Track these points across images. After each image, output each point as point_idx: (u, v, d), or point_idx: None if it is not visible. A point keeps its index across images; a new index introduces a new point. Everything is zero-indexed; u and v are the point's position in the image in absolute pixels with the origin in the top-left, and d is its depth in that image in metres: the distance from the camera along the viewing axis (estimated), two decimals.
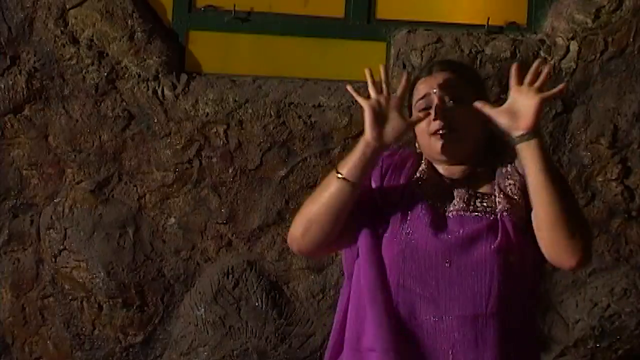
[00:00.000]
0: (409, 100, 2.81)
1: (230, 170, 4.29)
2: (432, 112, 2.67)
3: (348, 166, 2.74)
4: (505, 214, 2.66)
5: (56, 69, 4.21)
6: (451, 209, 2.71)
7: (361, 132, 4.20)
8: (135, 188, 4.28)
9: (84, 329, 4.29)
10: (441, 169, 2.79)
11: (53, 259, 4.25)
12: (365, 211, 2.76)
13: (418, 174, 2.78)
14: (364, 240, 2.75)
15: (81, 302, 4.27)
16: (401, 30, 4.39)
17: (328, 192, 2.72)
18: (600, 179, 4.39)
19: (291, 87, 4.32)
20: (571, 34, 4.39)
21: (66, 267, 4.25)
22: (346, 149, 4.28)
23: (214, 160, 4.28)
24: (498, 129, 2.68)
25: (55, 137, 4.23)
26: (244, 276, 4.29)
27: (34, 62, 4.20)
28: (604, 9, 4.39)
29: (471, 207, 2.70)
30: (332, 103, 4.30)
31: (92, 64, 4.22)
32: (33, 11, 4.19)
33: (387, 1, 4.45)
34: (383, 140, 2.70)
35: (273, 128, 4.29)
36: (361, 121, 2.71)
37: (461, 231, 2.67)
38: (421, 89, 2.76)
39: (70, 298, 4.27)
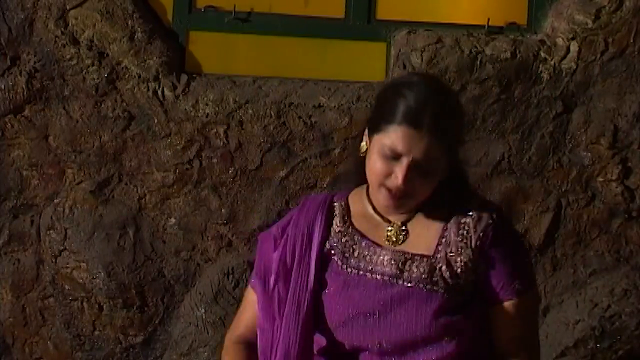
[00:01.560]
0: (383, 114, 2.56)
1: (230, 171, 4.29)
2: (399, 179, 2.47)
3: None
4: (442, 292, 2.50)
5: (56, 69, 4.21)
6: (380, 271, 2.54)
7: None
8: (135, 188, 4.28)
9: (84, 329, 4.29)
10: (380, 208, 2.60)
11: (53, 260, 4.25)
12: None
13: (334, 231, 2.63)
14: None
15: (81, 303, 4.27)
16: (401, 31, 4.39)
17: None
18: (600, 180, 4.39)
19: (291, 87, 4.32)
20: (571, 35, 4.39)
21: (66, 267, 4.26)
22: (346, 149, 4.29)
23: (214, 160, 4.28)
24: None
25: (56, 137, 4.23)
26: (244, 277, 4.28)
27: (34, 62, 4.20)
28: (604, 10, 4.39)
29: (405, 275, 2.52)
30: (332, 103, 4.30)
31: (93, 64, 4.22)
32: (33, 12, 4.18)
33: (387, 1, 4.44)
34: None
35: (273, 128, 4.29)
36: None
37: (389, 302, 2.51)
38: (398, 138, 2.48)
39: (70, 298, 4.27)
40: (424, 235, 2.56)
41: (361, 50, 4.42)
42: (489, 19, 4.42)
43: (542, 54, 4.38)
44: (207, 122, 4.26)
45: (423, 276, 2.50)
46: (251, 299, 2.79)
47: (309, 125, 4.29)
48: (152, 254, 4.29)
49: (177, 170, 4.27)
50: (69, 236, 4.25)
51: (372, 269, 2.55)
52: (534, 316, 2.68)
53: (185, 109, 4.26)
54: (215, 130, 4.27)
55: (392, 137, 2.49)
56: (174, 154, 4.26)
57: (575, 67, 4.38)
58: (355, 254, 2.58)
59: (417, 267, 2.51)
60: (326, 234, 2.62)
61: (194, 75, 4.32)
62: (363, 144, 2.65)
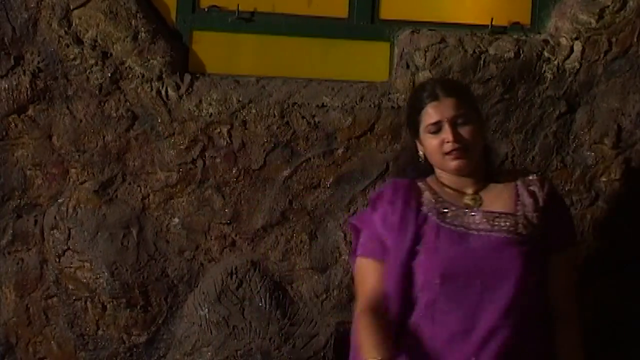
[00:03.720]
0: (414, 116, 3.33)
1: (233, 171, 4.29)
2: (449, 135, 3.16)
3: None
4: (525, 240, 3.09)
5: (60, 69, 4.21)
6: (474, 228, 3.10)
7: (364, 133, 4.27)
8: (139, 188, 4.28)
9: (87, 329, 4.29)
10: (451, 183, 3.20)
11: (57, 259, 4.26)
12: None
13: (427, 200, 3.19)
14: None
15: (85, 302, 4.27)
16: (405, 31, 4.39)
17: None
18: (604, 179, 4.39)
19: (295, 87, 4.32)
20: (575, 34, 4.39)
21: (70, 267, 4.26)
22: (349, 149, 4.29)
23: (218, 160, 4.28)
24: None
25: (59, 137, 4.23)
26: (247, 276, 4.29)
27: (38, 62, 4.20)
28: (607, 9, 4.39)
29: (495, 227, 3.09)
30: (336, 103, 4.30)
31: (96, 64, 4.22)
32: (37, 11, 4.19)
33: (390, 1, 4.44)
34: None
35: (277, 128, 4.29)
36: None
37: (488, 250, 3.06)
38: (431, 113, 3.23)
39: (74, 298, 4.27)
40: (500, 198, 3.17)
41: (364, 50, 4.42)
42: (492, 19, 4.43)
43: (546, 54, 4.38)
44: (211, 122, 4.27)
45: (511, 228, 3.09)
46: (371, 267, 3.27)
47: (313, 125, 4.29)
48: (155, 253, 4.29)
49: (181, 170, 4.27)
50: (72, 236, 4.25)
51: (467, 226, 3.10)
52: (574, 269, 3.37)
53: (189, 109, 4.26)
54: (218, 130, 4.27)
55: (427, 117, 3.22)
56: (178, 154, 4.26)
57: (578, 67, 4.38)
58: (449, 215, 3.12)
59: (504, 221, 3.09)
60: (420, 204, 3.18)
61: (198, 75, 4.32)
62: (420, 153, 3.34)
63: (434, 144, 3.23)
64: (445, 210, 3.15)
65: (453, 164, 3.16)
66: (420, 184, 3.28)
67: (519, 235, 3.10)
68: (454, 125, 3.16)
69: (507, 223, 3.10)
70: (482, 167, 3.25)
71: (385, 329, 3.15)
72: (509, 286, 3.03)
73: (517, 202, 3.18)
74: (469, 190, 3.20)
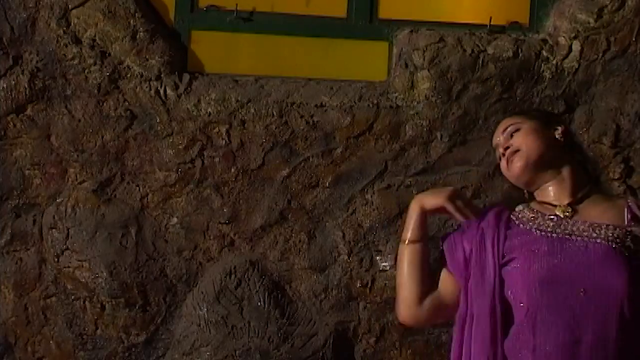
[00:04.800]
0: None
1: (232, 170, 4.29)
2: (501, 141, 3.05)
3: (408, 231, 3.03)
4: (627, 255, 2.85)
5: (59, 68, 4.21)
6: (576, 234, 2.89)
7: (363, 132, 4.27)
8: (137, 188, 4.28)
9: (86, 328, 4.29)
10: (544, 197, 3.01)
11: (55, 259, 4.26)
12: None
13: (524, 216, 2.99)
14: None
15: (84, 302, 4.27)
16: (403, 30, 4.39)
17: (405, 261, 3.04)
18: (602, 179, 4.39)
19: (293, 86, 4.32)
20: (573, 34, 4.39)
21: (69, 266, 4.26)
22: (348, 149, 4.29)
23: (216, 160, 4.28)
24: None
25: (58, 137, 4.23)
26: (246, 276, 4.29)
27: (37, 62, 4.20)
28: (606, 9, 4.39)
29: (601, 235, 2.88)
30: (334, 103, 4.31)
31: (95, 63, 4.22)
32: (35, 11, 4.19)
33: (389, 1, 4.45)
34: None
35: (275, 128, 4.29)
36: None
37: (589, 256, 2.85)
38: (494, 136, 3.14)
39: (72, 298, 4.27)
40: (606, 213, 2.95)
41: (363, 50, 4.43)
42: (491, 18, 4.43)
43: (544, 53, 4.39)
44: (209, 122, 4.27)
45: (618, 239, 2.85)
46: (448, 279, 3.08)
47: (311, 125, 4.30)
48: (154, 253, 4.29)
49: (179, 170, 4.27)
50: (71, 235, 4.25)
51: (568, 232, 2.90)
52: None
53: (188, 108, 4.26)
54: (217, 130, 4.28)
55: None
56: (176, 154, 4.26)
57: (577, 67, 4.39)
58: (551, 225, 2.92)
59: (611, 232, 2.87)
60: (512, 220, 3.01)
61: (196, 75, 4.32)
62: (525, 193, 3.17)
63: (501, 164, 3.12)
64: (543, 222, 2.97)
65: (511, 168, 3.02)
66: (519, 207, 3.11)
67: (627, 248, 2.87)
68: (507, 134, 3.05)
69: (614, 234, 2.88)
70: (572, 181, 3.01)
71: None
72: (615, 298, 2.84)
73: (628, 218, 2.95)
74: (563, 202, 2.99)
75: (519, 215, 3.00)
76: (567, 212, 2.94)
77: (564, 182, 2.99)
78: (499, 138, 3.07)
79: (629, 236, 2.87)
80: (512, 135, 3.01)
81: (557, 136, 2.99)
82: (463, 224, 3.07)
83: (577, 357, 2.84)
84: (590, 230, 2.88)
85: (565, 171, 2.99)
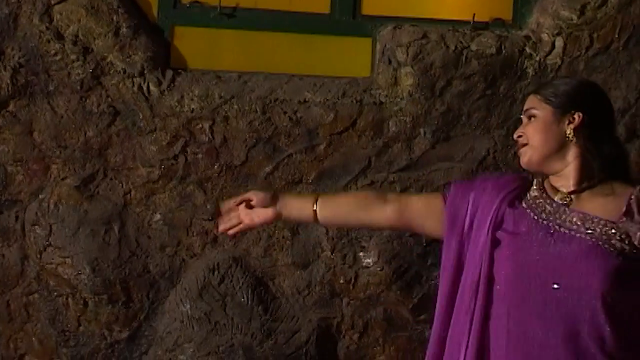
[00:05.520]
0: None
1: (215, 166, 4.28)
2: (517, 133, 3.03)
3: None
4: (616, 254, 2.79)
5: (41, 64, 4.19)
6: (566, 226, 2.87)
7: (346, 128, 4.27)
8: (120, 184, 4.27)
9: (69, 325, 4.27)
10: (551, 180, 2.98)
11: (38, 255, 4.24)
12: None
13: (531, 195, 2.99)
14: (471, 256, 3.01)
15: (66, 299, 4.26)
16: (387, 26, 4.39)
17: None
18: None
19: (277, 83, 4.32)
20: (557, 30, 4.40)
21: (51, 263, 4.24)
22: (331, 145, 4.29)
23: (200, 156, 4.28)
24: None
25: (40, 133, 4.22)
26: (229, 272, 4.29)
27: (19, 57, 4.18)
28: (589, 5, 4.41)
29: (588, 230, 2.83)
30: (318, 99, 4.30)
31: (77, 59, 4.20)
32: (18, 7, 4.17)
33: None
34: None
35: (258, 124, 4.29)
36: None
37: (570, 252, 2.82)
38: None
39: (55, 294, 4.26)
40: (603, 204, 2.89)
41: (346, 46, 4.43)
42: (474, 15, 4.43)
43: (528, 50, 4.39)
44: (193, 118, 4.26)
45: (604, 236, 2.81)
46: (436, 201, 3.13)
47: (295, 121, 4.29)
48: (137, 249, 4.28)
49: (163, 166, 4.26)
50: (53, 232, 4.24)
51: (560, 223, 2.87)
52: None
53: (171, 105, 4.25)
54: (200, 126, 4.27)
55: None
56: (159, 150, 4.25)
57: (560, 63, 4.40)
58: (547, 211, 2.91)
59: (601, 227, 2.82)
60: (521, 197, 3.02)
61: (179, 71, 4.31)
62: None
63: None
64: (542, 206, 2.97)
65: (520, 158, 3.03)
66: (536, 179, 3.07)
67: (612, 245, 2.81)
68: (526, 119, 3.02)
69: (602, 230, 2.83)
70: (577, 171, 2.94)
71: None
72: (590, 297, 2.80)
73: (622, 212, 2.87)
74: (563, 189, 2.95)
75: (529, 193, 3.00)
76: (566, 200, 2.92)
77: (571, 171, 2.94)
78: (523, 116, 3.05)
79: (616, 233, 2.82)
80: (530, 118, 2.99)
81: (568, 132, 2.92)
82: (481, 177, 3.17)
83: (545, 348, 2.83)
84: (580, 223, 2.86)
85: (573, 161, 2.93)
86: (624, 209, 2.85)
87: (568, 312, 2.80)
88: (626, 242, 2.81)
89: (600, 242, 2.81)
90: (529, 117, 2.99)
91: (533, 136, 2.96)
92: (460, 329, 2.97)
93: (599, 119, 2.95)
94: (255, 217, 3.17)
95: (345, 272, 4.34)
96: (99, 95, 4.23)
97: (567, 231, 2.86)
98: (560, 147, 2.94)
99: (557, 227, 2.88)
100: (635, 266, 2.82)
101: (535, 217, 2.92)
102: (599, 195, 2.91)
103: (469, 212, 3.04)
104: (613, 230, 2.82)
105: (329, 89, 4.32)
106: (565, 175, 2.94)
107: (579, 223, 2.85)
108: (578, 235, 2.84)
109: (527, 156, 2.97)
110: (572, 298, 2.80)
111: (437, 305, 3.09)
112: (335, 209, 3.17)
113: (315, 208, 3.12)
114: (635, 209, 2.86)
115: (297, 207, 3.17)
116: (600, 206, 2.89)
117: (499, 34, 4.41)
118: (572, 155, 2.93)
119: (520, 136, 3.00)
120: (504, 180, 3.07)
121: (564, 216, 2.89)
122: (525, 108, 3.03)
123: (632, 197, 2.88)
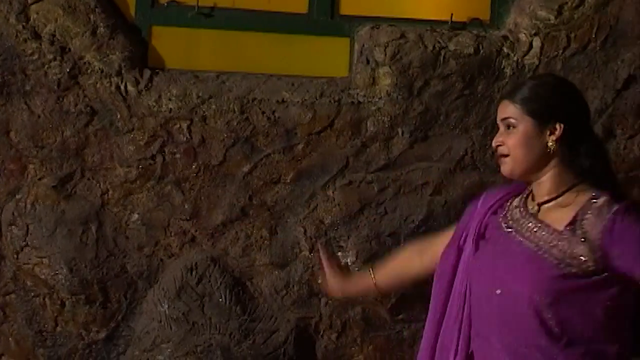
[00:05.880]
0: None
1: (193, 166, 4.28)
2: (496, 142, 2.99)
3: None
4: (555, 262, 2.79)
5: (18, 64, 4.17)
6: (523, 234, 2.90)
7: (324, 128, 4.27)
8: (98, 184, 4.26)
9: (46, 325, 4.26)
10: (533, 191, 2.98)
11: (15, 256, 4.23)
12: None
13: (511, 203, 3.02)
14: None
15: (43, 299, 4.25)
16: (365, 26, 4.40)
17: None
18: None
19: (255, 82, 4.32)
20: (534, 30, 4.42)
21: (28, 263, 4.23)
22: (310, 145, 4.29)
23: (177, 156, 4.27)
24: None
25: (17, 132, 4.20)
26: (207, 272, 4.28)
27: None
28: (566, 6, 4.42)
29: (534, 238, 2.86)
30: (296, 99, 4.30)
31: (54, 59, 4.19)
32: None
33: None
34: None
35: (236, 124, 4.28)
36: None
37: (516, 260, 2.85)
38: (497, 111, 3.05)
39: (32, 295, 4.25)
40: (561, 213, 2.87)
41: (324, 46, 4.43)
42: (452, 15, 4.44)
43: (505, 50, 4.41)
44: (170, 118, 4.25)
45: (545, 246, 2.82)
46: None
47: (273, 121, 4.29)
48: (114, 249, 4.27)
49: (140, 166, 4.25)
50: (30, 232, 4.22)
51: (519, 230, 2.91)
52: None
53: (148, 104, 4.24)
54: (178, 126, 4.26)
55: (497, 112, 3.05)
56: (137, 150, 4.25)
57: (537, 63, 4.41)
58: (515, 218, 2.95)
59: (546, 236, 2.84)
60: (503, 208, 3.04)
61: (157, 71, 4.30)
62: None
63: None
64: (514, 214, 2.98)
65: (501, 167, 2.99)
66: (528, 187, 3.06)
67: (551, 255, 2.81)
68: (503, 130, 2.96)
69: (546, 239, 2.84)
70: (552, 181, 2.91)
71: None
72: (525, 306, 2.80)
73: (568, 223, 2.84)
74: (538, 198, 2.94)
75: (513, 201, 3.02)
76: (534, 209, 2.92)
77: (548, 179, 2.92)
78: (499, 121, 3.00)
79: (558, 243, 2.80)
80: (508, 127, 2.94)
81: (549, 142, 2.88)
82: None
83: (486, 354, 2.88)
84: (535, 231, 2.87)
85: (551, 170, 2.91)
86: (571, 219, 2.83)
87: (508, 319, 2.82)
88: (567, 252, 2.78)
89: (540, 252, 2.81)
90: (507, 126, 2.94)
91: (515, 149, 2.92)
92: (449, 336, 2.99)
93: (579, 125, 2.92)
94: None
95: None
96: (76, 95, 4.22)
97: (521, 239, 2.87)
98: (542, 158, 2.91)
99: (515, 234, 2.89)
100: (576, 278, 2.78)
101: (504, 225, 2.95)
102: (561, 205, 2.89)
103: (468, 223, 3.08)
104: (556, 241, 2.81)
105: (307, 89, 4.32)
106: (543, 183, 2.92)
107: (534, 230, 2.87)
108: (526, 243, 2.85)
109: (509, 168, 2.94)
110: (509, 305, 2.82)
111: (431, 311, 3.11)
112: (388, 277, 3.32)
113: (374, 281, 3.30)
114: (580, 220, 2.82)
115: (357, 283, 3.37)
116: (559, 215, 2.87)
117: (477, 34, 4.42)
118: (552, 164, 2.90)
119: (500, 145, 2.96)
120: (499, 189, 3.10)
121: (526, 224, 2.90)
122: (503, 116, 2.96)
123: (581, 208, 2.84)
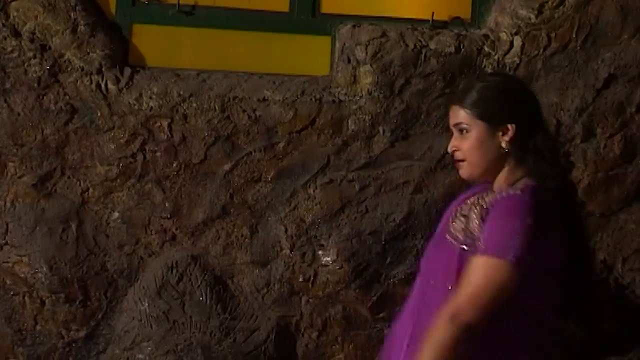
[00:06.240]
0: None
1: (174, 165, 4.27)
2: (451, 146, 3.06)
3: None
4: (460, 246, 2.92)
5: None
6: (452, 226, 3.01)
7: (305, 127, 4.27)
8: (78, 182, 4.25)
9: (25, 324, 4.25)
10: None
11: None
12: None
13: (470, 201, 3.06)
14: None
15: (23, 297, 4.23)
16: (346, 25, 4.40)
17: None
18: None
19: (236, 81, 4.31)
20: (515, 29, 4.43)
21: (8, 262, 4.21)
22: (290, 143, 4.29)
23: (158, 154, 4.26)
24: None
25: None
26: (188, 271, 4.27)
27: None
28: (547, 5, 4.43)
29: (449, 228, 3.00)
30: (277, 97, 4.30)
31: (34, 57, 4.18)
32: None
33: None
34: None
35: (217, 122, 4.28)
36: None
37: (443, 251, 2.98)
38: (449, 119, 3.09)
39: (12, 293, 4.23)
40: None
41: (306, 44, 4.43)
42: (433, 14, 4.45)
43: (486, 49, 4.42)
44: (151, 116, 4.24)
45: (453, 232, 2.96)
46: None
47: (254, 119, 4.29)
48: (95, 248, 4.26)
49: (121, 164, 4.24)
50: (10, 230, 4.21)
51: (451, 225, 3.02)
52: (482, 279, 2.84)
53: (129, 103, 4.23)
54: (159, 124, 4.25)
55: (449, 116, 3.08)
56: (118, 148, 4.24)
57: (518, 62, 4.42)
58: (459, 215, 3.02)
59: (456, 224, 2.98)
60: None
61: (138, 69, 4.30)
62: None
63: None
64: (463, 209, 3.05)
65: (459, 171, 3.07)
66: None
67: (454, 238, 2.96)
68: (457, 134, 3.02)
69: (462, 231, 2.96)
70: (505, 175, 3.01)
71: None
72: (444, 295, 2.89)
73: (457, 212, 3.04)
74: (492, 195, 3.00)
75: (471, 200, 3.06)
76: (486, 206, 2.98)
77: (500, 178, 3.00)
78: (451, 126, 3.05)
79: (459, 230, 2.95)
80: (461, 132, 2.99)
81: (503, 144, 2.96)
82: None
83: (414, 342, 2.92)
84: (453, 224, 3.01)
85: (504, 168, 2.99)
86: (472, 209, 2.98)
87: (434, 310, 2.87)
88: (469, 235, 2.92)
89: (448, 237, 2.97)
90: (461, 131, 3.00)
91: (470, 153, 2.99)
92: (405, 329, 3.06)
93: (530, 123, 2.99)
94: None
95: (304, 271, 4.34)
96: (57, 92, 4.21)
97: (454, 232, 2.99)
98: (497, 159, 2.98)
99: (447, 230, 3.01)
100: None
101: (450, 219, 3.04)
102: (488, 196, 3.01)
103: (440, 223, 3.14)
104: (457, 222, 2.98)
105: (288, 87, 4.32)
106: (497, 180, 3.01)
107: (454, 223, 3.01)
108: (449, 235, 2.98)
109: (468, 172, 3.02)
110: (439, 295, 2.90)
111: (408, 304, 3.15)
112: None
113: None
114: (471, 208, 2.98)
115: None
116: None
117: (458, 33, 4.42)
118: (506, 162, 2.99)
119: (455, 150, 3.03)
120: (472, 189, 3.13)
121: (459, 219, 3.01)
122: (455, 121, 3.02)
123: (488, 198, 2.96)
